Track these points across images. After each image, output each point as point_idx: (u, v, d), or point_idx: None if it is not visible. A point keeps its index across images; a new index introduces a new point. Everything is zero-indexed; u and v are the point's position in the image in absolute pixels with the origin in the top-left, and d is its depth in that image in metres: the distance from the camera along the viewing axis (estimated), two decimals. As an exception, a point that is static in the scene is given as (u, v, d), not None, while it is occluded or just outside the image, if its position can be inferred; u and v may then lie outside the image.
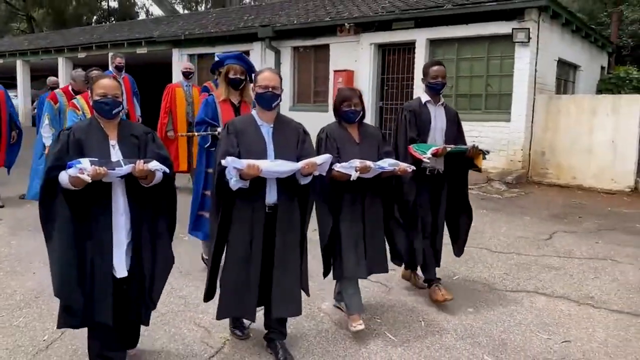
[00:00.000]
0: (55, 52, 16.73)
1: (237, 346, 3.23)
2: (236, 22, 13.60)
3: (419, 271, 4.11)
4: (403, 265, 4.06)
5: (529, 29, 8.69)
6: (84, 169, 2.36)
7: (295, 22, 11.75)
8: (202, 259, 4.64)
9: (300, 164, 2.79)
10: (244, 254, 2.87)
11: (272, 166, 2.74)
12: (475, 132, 8.84)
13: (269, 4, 17.62)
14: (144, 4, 45.13)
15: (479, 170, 3.90)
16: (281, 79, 3.06)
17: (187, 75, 7.34)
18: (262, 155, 2.84)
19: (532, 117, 9.22)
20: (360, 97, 3.40)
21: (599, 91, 12.69)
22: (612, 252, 5.28)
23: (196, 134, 4.14)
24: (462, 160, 3.84)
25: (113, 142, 2.66)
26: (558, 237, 5.84)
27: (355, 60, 10.87)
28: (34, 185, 6.14)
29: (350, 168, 3.10)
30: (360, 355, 3.16)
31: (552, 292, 4.19)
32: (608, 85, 12.80)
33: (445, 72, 3.90)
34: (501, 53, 9.25)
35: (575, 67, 11.59)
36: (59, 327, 2.72)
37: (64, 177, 2.48)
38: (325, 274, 3.49)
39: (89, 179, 2.36)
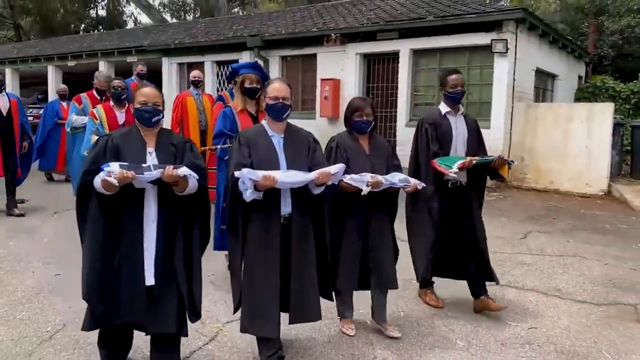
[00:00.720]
0: (45, 60, 16.84)
1: (230, 335, 3.47)
2: (225, 31, 13.88)
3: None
4: (419, 285, 4.04)
5: (506, 40, 9.09)
6: (111, 172, 2.38)
7: (283, 32, 12.07)
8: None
9: (313, 174, 2.78)
10: (263, 267, 2.84)
11: (287, 177, 2.74)
12: (457, 139, 9.17)
13: (258, 15, 17.96)
14: (132, 13, 45.32)
15: (502, 180, 3.86)
16: (291, 89, 3.07)
17: (196, 84, 7.26)
18: (274, 166, 2.83)
19: (511, 124, 9.60)
20: (372, 107, 3.37)
21: (577, 99, 13.15)
22: (581, 250, 5.62)
23: (218, 147, 4.07)
24: (485, 171, 3.76)
25: (151, 149, 2.67)
26: (532, 237, 6.18)
27: (341, 69, 11.19)
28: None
29: (362, 182, 3.08)
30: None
31: (523, 285, 4.50)
32: (585, 94, 13.27)
33: (463, 80, 3.80)
34: (481, 63, 9.63)
35: (553, 77, 12.04)
36: (83, 329, 2.76)
37: (97, 181, 2.49)
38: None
39: (115, 182, 2.38)
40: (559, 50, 11.78)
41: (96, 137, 4.60)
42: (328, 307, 3.48)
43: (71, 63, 16.10)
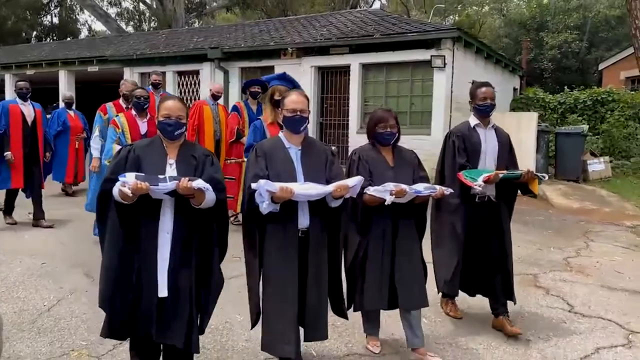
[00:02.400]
0: (2, 69, 16.90)
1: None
2: (186, 43, 14.46)
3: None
4: (441, 294, 3.96)
5: (444, 56, 10.17)
6: (126, 182, 2.38)
7: (242, 45, 12.80)
8: None
9: (331, 187, 2.72)
10: (282, 287, 2.77)
11: (304, 189, 2.69)
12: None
13: (217, 27, 18.59)
14: (87, 21, 44.81)
15: (534, 196, 3.70)
16: (308, 100, 3.02)
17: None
18: (291, 178, 2.79)
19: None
20: (395, 118, 3.23)
21: (512, 109, 14.47)
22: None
23: (246, 160, 3.96)
24: (515, 186, 3.67)
25: (171, 160, 2.67)
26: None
27: (297, 80, 12.00)
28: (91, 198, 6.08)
29: (385, 192, 2.96)
30: None
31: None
32: (519, 104, 14.62)
33: (494, 93, 3.70)
34: (422, 76, 10.69)
35: (489, 89, 13.27)
36: (102, 335, 2.73)
37: (115, 190, 2.51)
38: (348, 307, 3.25)
39: (129, 192, 2.37)
40: (494, 64, 13.04)
41: (118, 147, 4.86)
42: (351, 321, 3.42)
43: (30, 72, 16.23)
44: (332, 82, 11.86)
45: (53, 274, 4.92)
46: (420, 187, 3.08)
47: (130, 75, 14.27)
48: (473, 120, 3.72)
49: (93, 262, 4.45)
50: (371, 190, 3.02)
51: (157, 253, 2.59)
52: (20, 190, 6.85)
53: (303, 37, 12.43)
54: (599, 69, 19.97)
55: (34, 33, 34.68)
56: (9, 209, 6.93)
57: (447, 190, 3.16)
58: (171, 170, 2.64)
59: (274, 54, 12.24)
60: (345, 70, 11.51)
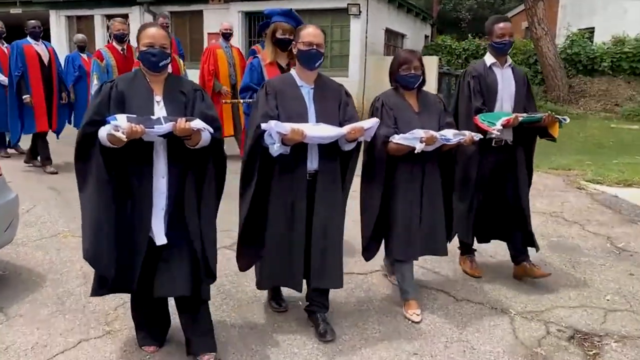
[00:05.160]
0: None
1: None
2: (114, -15, 14.57)
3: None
4: (460, 251, 3.79)
5: (359, 4, 11.36)
6: (118, 126, 2.17)
7: (171, -11, 13.28)
8: None
9: (345, 129, 2.59)
10: (287, 223, 2.68)
11: (316, 131, 2.56)
12: (323, 85, 11.45)
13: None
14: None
15: (553, 140, 3.45)
16: (325, 35, 2.83)
17: (226, 36, 7.02)
18: (303, 119, 2.63)
19: (365, 74, 12.02)
20: (420, 59, 3.03)
21: (424, 55, 15.96)
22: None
23: (241, 101, 3.77)
24: (534, 130, 3.45)
25: (158, 98, 2.42)
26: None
27: (226, 25, 12.77)
28: None
29: (414, 139, 2.77)
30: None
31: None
32: (430, 51, 16.16)
33: (512, 29, 3.40)
34: (341, 23, 11.86)
35: (402, 36, 14.70)
36: (92, 294, 2.54)
37: (102, 133, 2.27)
38: (365, 256, 3.21)
39: (124, 137, 2.16)
40: (405, 13, 14.41)
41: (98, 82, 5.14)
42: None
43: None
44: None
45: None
46: (449, 134, 2.90)
47: (57, 19, 14.31)
48: (489, 59, 3.44)
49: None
50: (397, 139, 2.84)
51: (153, 199, 2.40)
52: (48, 132, 6.65)
53: (230, -17, 13.08)
54: (504, 19, 21.84)
55: None
56: (46, 157, 6.64)
57: (477, 136, 3.01)
58: (159, 108, 2.40)
59: (203, -1, 12.87)
60: (271, 16, 12.39)
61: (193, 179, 2.47)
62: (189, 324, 2.57)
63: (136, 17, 13.50)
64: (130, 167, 2.39)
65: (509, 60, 3.49)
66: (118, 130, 2.17)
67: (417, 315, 3.06)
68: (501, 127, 3.16)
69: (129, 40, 5.99)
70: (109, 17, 13.98)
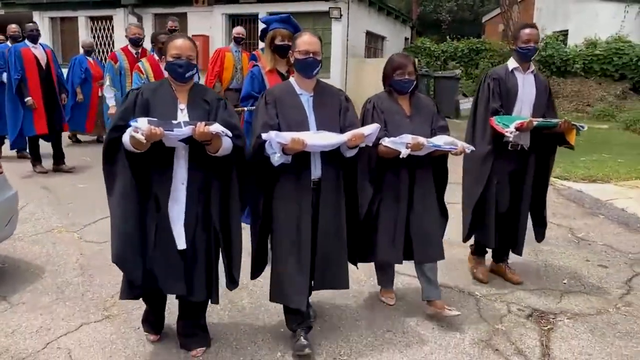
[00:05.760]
0: None
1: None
2: (98, -13, 14.64)
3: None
4: (470, 251, 3.82)
5: (340, 7, 11.67)
6: (138, 127, 2.21)
7: (155, -9, 13.42)
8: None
9: (346, 136, 2.60)
10: (294, 236, 2.67)
11: (317, 139, 2.57)
12: (305, 86, 11.76)
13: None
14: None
15: (571, 147, 3.40)
16: (321, 42, 2.80)
17: (238, 41, 7.09)
18: (303, 127, 2.64)
19: (346, 75, 12.34)
20: (414, 64, 3.07)
21: (404, 57, 16.39)
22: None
23: (245, 109, 3.73)
24: (551, 136, 3.41)
25: (182, 105, 2.50)
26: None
27: (210, 27, 12.99)
28: None
29: (401, 144, 2.81)
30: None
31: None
32: (410, 53, 16.53)
33: (539, 36, 3.45)
34: (322, 25, 12.15)
35: (382, 38, 15.05)
36: (121, 297, 2.66)
37: (125, 138, 2.35)
38: (361, 258, 3.16)
39: (142, 138, 2.20)
40: (386, 16, 14.77)
41: None
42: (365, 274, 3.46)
43: None
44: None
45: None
46: (440, 141, 2.89)
47: (40, 20, 14.35)
48: (512, 64, 3.49)
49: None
50: (386, 142, 2.87)
51: (170, 204, 2.47)
52: (58, 135, 6.77)
53: (214, -15, 13.28)
54: (482, 22, 22.44)
55: None
56: (36, 158, 6.75)
57: (469, 148, 3.00)
58: (182, 115, 2.47)
59: (187, 1, 13.05)
60: (254, 18, 12.64)
61: (216, 186, 2.53)
62: (187, 323, 2.75)
63: (120, 19, 13.62)
64: (152, 172, 2.47)
65: (532, 67, 3.52)
66: (137, 132, 2.22)
67: (392, 299, 3.32)
68: (514, 130, 3.16)
69: (142, 44, 6.29)
70: (93, 18, 14.13)
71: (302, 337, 2.70)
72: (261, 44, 4.09)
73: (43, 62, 6.52)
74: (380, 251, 3.06)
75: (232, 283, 2.64)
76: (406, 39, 17.44)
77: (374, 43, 14.54)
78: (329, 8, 11.69)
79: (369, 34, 13.66)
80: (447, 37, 17.51)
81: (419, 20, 23.31)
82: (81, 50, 8.59)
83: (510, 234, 3.58)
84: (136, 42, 6.31)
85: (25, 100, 6.40)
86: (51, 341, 2.87)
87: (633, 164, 7.49)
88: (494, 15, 20.95)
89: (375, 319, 3.19)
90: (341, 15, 11.68)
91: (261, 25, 3.98)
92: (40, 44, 6.63)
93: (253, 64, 4.33)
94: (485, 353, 2.85)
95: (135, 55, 6.19)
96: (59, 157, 6.80)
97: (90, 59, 8.34)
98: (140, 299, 2.76)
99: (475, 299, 3.47)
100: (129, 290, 2.59)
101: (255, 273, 2.88)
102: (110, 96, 6.28)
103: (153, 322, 2.87)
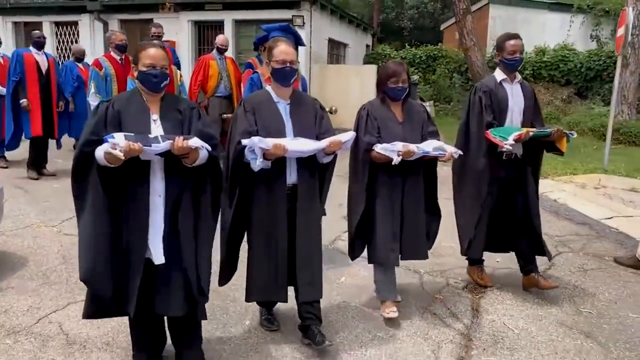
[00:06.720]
0: None
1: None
2: (62, -7, 14.67)
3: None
4: (468, 262, 3.88)
5: (303, 16, 12.16)
6: (116, 144, 2.16)
7: (120, -2, 13.61)
8: None
9: (324, 143, 2.69)
10: (270, 237, 2.77)
11: (297, 145, 2.65)
12: (270, 91, 12.19)
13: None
14: None
15: (561, 154, 3.57)
16: (297, 51, 2.91)
17: (222, 51, 7.22)
18: (281, 134, 2.72)
19: (310, 80, 12.80)
20: (407, 72, 3.16)
21: (365, 63, 17.02)
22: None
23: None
24: (542, 143, 3.54)
25: (155, 116, 2.43)
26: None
27: (176, 32, 13.24)
28: None
29: (393, 152, 2.95)
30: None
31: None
32: (371, 59, 17.18)
33: (523, 46, 3.50)
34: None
35: (345, 45, 15.63)
36: (84, 317, 2.52)
37: (99, 153, 2.25)
38: (351, 256, 3.37)
39: (121, 155, 2.15)
40: (347, 24, 15.35)
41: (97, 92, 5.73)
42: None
43: None
44: (208, 35, 13.27)
45: None
46: (429, 147, 3.06)
47: (3, 25, 14.29)
48: (499, 75, 3.55)
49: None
50: (379, 148, 3.01)
51: (149, 218, 2.40)
52: (46, 141, 6.98)
53: (180, -7, 13.57)
54: (441, 29, 23.36)
55: None
56: (34, 162, 6.90)
57: (456, 153, 3.17)
58: (156, 127, 2.41)
59: (153, 7, 13.27)
60: (219, 24, 12.98)
61: (190, 197, 2.47)
62: (180, 340, 2.65)
63: (86, 24, 13.72)
64: (127, 186, 2.37)
65: (518, 77, 3.59)
66: (115, 149, 2.15)
67: (394, 312, 3.18)
68: (513, 142, 3.26)
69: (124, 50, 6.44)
70: (58, 24, 14.16)
71: (318, 333, 2.82)
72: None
73: (44, 69, 6.77)
74: (379, 256, 3.19)
75: (201, 294, 2.51)
76: (367, 46, 18.10)
77: (336, 50, 15.10)
78: (292, 16, 12.16)
79: (331, 41, 14.20)
80: (407, 44, 18.26)
81: (382, 27, 24.08)
82: (71, 57, 8.61)
83: (530, 242, 3.62)
84: (123, 48, 6.37)
85: (20, 101, 6.62)
86: (42, 317, 3.21)
87: (570, 161, 8.24)
88: (451, 23, 21.77)
89: (333, 291, 3.64)
90: (304, 23, 12.17)
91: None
92: (44, 52, 6.89)
93: (251, 72, 4.50)
94: (425, 316, 3.36)
95: (120, 62, 6.31)
96: (41, 161, 6.99)
97: (80, 65, 8.36)
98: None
99: (419, 275, 4.00)
100: (94, 310, 2.49)
101: (221, 280, 2.99)
102: (95, 103, 6.28)
103: (145, 349, 2.67)
